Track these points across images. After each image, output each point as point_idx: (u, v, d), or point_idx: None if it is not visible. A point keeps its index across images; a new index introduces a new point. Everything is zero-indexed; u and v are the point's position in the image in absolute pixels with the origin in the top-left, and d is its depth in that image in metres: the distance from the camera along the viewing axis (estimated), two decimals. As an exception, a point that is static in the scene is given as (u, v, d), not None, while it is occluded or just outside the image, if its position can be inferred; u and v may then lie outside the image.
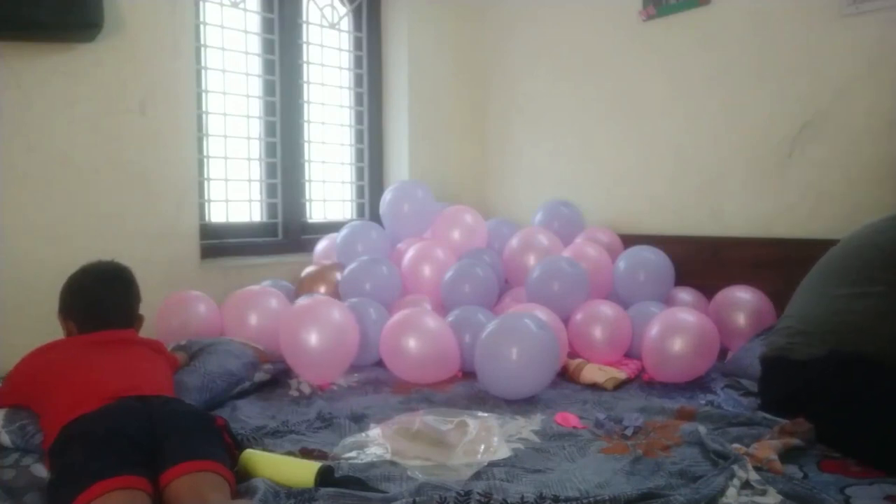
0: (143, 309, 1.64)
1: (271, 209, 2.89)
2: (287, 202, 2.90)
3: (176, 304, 2.13)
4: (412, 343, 2.00)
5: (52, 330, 1.55)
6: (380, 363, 2.16)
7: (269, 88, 2.85)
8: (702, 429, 1.47)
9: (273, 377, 1.97)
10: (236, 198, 2.79)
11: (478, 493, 1.17)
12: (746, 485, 1.21)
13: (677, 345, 1.96)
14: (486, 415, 1.62)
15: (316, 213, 3.05)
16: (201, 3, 2.60)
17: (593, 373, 2.01)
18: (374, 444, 1.45)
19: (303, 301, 2.08)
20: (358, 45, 3.18)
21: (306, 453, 1.42)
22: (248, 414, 1.70)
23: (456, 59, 3.31)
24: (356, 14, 3.17)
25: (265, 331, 2.08)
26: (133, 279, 1.61)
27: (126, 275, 1.60)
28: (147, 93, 2.30)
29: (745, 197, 2.50)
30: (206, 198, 2.65)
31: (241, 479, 1.25)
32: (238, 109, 2.76)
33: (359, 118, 3.22)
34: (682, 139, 2.66)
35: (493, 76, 3.36)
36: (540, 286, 2.27)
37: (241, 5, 2.75)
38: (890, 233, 1.60)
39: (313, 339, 1.92)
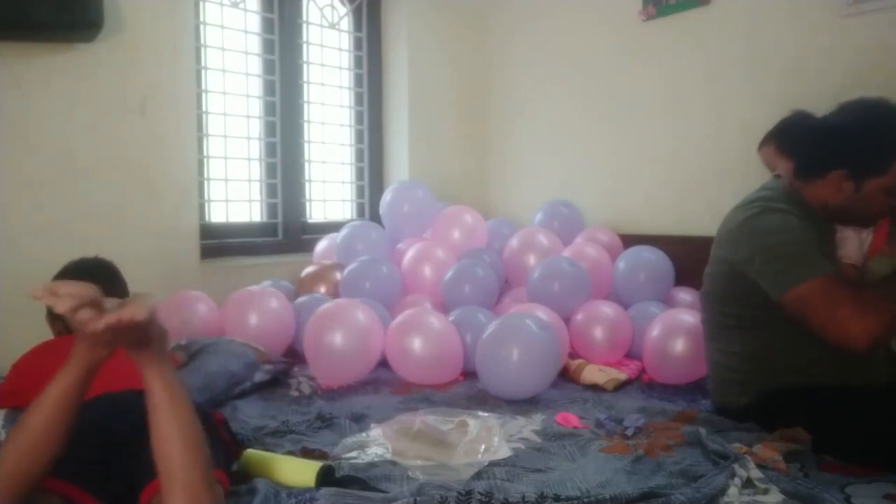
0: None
1: (271, 209, 2.89)
2: (287, 202, 2.90)
3: (176, 304, 2.13)
4: (417, 344, 2.00)
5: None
6: (380, 363, 2.16)
7: (269, 88, 2.85)
8: (702, 430, 1.47)
9: (273, 377, 1.97)
10: (236, 198, 2.79)
11: (479, 493, 1.17)
12: (748, 483, 1.21)
13: (679, 346, 1.96)
14: (486, 414, 1.61)
15: (316, 213, 3.05)
16: (201, 3, 2.60)
17: (594, 374, 2.01)
18: (374, 444, 1.45)
19: (328, 304, 2.07)
20: (358, 45, 3.18)
21: (307, 453, 1.42)
22: (248, 414, 1.70)
23: (456, 59, 3.31)
24: (356, 14, 3.17)
25: (265, 331, 2.08)
26: (117, 272, 1.59)
27: (109, 269, 1.58)
28: (147, 93, 2.30)
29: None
30: (206, 198, 2.65)
31: (242, 479, 1.24)
32: (238, 109, 2.76)
33: (359, 118, 3.22)
34: (682, 139, 2.66)
35: (493, 76, 3.36)
36: (540, 286, 2.27)
37: (241, 5, 2.75)
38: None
39: (338, 340, 1.94)
